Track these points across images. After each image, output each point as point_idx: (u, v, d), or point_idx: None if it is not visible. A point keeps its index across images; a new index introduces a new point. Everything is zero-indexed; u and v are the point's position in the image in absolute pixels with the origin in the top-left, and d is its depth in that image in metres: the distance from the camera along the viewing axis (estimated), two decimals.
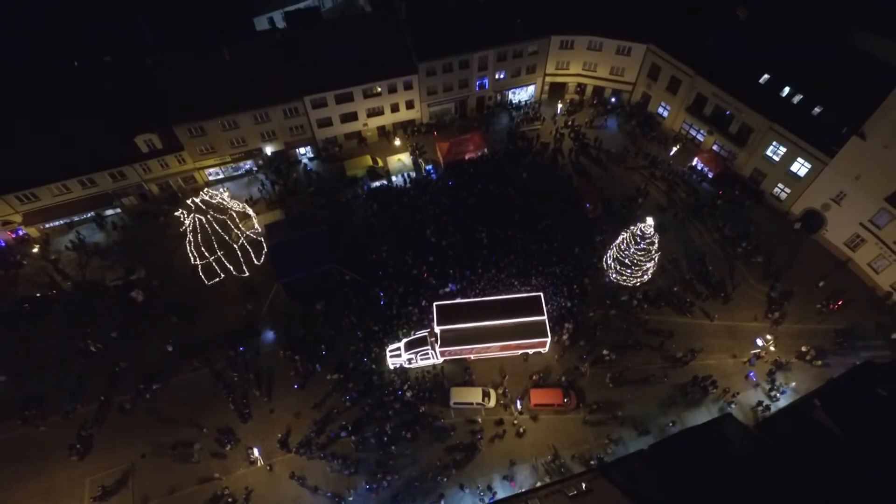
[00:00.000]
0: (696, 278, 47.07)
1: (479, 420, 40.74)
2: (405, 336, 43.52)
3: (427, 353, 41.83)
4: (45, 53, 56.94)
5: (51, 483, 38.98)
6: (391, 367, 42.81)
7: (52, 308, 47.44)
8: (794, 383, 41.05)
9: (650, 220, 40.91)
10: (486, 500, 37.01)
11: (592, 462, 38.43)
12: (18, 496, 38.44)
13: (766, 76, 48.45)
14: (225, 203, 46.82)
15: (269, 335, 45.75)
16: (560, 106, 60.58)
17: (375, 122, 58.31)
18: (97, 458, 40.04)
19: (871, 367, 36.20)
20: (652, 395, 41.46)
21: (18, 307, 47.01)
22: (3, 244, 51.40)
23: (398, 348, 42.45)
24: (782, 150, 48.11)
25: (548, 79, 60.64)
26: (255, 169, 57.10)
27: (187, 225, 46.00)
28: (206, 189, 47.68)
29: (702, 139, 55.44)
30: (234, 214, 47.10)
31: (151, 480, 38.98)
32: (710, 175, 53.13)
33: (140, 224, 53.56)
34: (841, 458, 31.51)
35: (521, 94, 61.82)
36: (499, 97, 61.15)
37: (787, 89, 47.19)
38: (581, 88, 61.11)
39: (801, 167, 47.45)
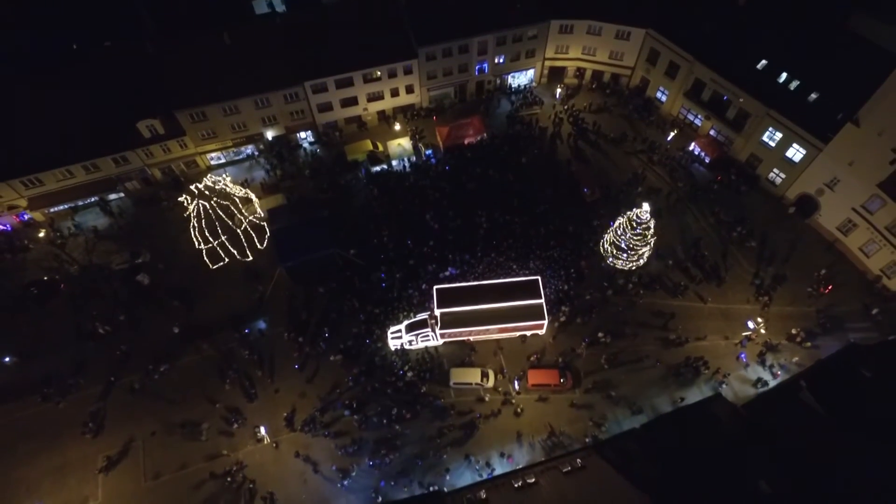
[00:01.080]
0: (691, 262, 48.00)
1: (487, 399, 41.91)
2: (406, 318, 44.60)
3: (427, 335, 42.90)
4: (45, 38, 56.81)
5: (64, 459, 40.41)
6: (392, 348, 43.94)
7: (60, 291, 48.39)
8: (796, 358, 42.10)
9: (646, 206, 41.64)
10: (485, 476, 38.44)
11: (587, 440, 39.78)
12: (33, 472, 39.89)
13: (763, 62, 48.75)
14: (228, 189, 47.44)
15: (272, 318, 46.73)
16: (559, 90, 60.77)
17: (375, 106, 58.54)
18: (109, 436, 41.39)
19: (857, 348, 37.33)
20: (645, 375, 42.66)
21: (26, 290, 47.98)
22: (10, 228, 52.16)
23: (399, 330, 43.54)
24: (778, 135, 48.63)
25: (547, 63, 60.75)
26: (256, 153, 57.59)
27: (191, 210, 46.67)
28: (209, 175, 48.26)
29: (699, 124, 55.86)
30: (237, 200, 47.75)
31: (161, 457, 40.39)
32: (707, 160, 53.68)
33: (144, 208, 54.25)
34: (825, 438, 32.80)
35: (521, 79, 61.97)
36: (498, 81, 61.26)
37: (784, 75, 47.52)
38: (580, 72, 61.24)
39: (796, 153, 48.01)
